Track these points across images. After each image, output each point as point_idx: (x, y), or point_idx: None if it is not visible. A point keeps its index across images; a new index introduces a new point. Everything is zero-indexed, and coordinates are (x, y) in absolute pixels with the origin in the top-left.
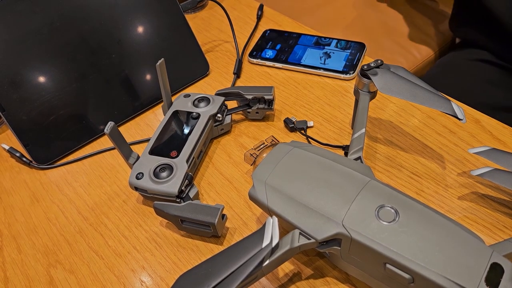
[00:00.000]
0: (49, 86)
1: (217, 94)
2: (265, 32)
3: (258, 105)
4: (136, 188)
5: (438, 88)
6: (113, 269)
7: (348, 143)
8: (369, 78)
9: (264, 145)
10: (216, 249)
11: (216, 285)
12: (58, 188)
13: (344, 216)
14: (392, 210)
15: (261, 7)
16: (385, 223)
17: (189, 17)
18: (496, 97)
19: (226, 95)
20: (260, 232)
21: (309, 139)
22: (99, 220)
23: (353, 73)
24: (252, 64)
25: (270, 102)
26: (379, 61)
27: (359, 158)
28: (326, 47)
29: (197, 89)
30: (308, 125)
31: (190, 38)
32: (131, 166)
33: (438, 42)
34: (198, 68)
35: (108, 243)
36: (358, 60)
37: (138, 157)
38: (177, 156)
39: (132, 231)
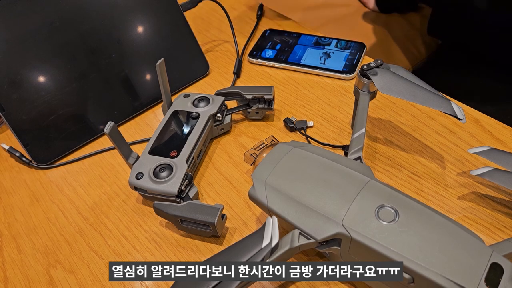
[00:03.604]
0: (49, 86)
1: (217, 94)
2: (265, 32)
3: (258, 105)
4: (136, 188)
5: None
6: None
7: (348, 143)
8: (369, 78)
9: (264, 145)
10: (216, 249)
11: (216, 285)
12: (58, 188)
13: (344, 216)
14: (392, 210)
15: (261, 7)
16: (385, 223)
17: (189, 17)
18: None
19: (226, 95)
20: (260, 232)
21: (309, 139)
22: (99, 220)
23: (353, 73)
24: (252, 64)
25: (270, 102)
26: (379, 61)
27: (359, 158)
28: (326, 47)
29: (197, 89)
30: (308, 125)
31: (190, 38)
32: (130, 166)
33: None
34: (198, 68)
35: (108, 243)
36: (358, 60)
37: (138, 157)
38: (177, 156)
39: (132, 231)
